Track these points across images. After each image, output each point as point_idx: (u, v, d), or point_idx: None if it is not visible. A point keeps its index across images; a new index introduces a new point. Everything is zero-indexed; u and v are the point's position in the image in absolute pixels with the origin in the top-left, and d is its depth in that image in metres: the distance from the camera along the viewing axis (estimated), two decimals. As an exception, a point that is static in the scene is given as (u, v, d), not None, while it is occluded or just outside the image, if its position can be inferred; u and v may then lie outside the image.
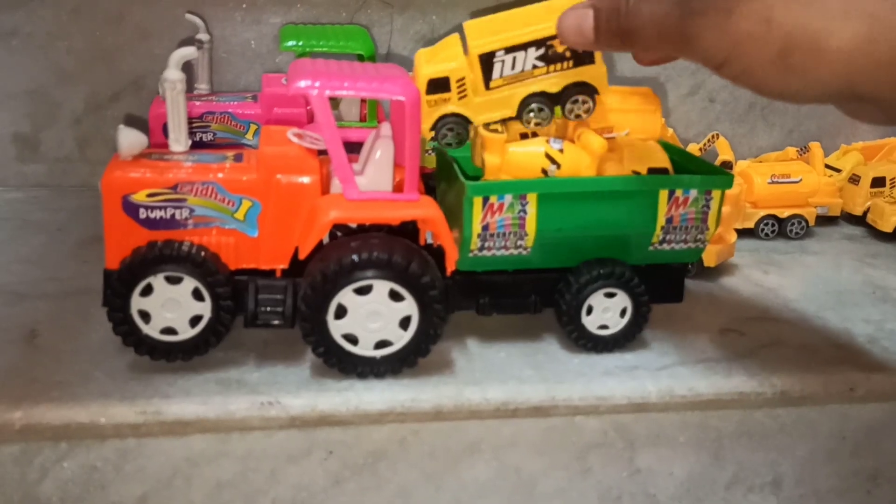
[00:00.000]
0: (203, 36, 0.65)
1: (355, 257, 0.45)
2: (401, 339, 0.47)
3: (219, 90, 0.68)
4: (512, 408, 0.47)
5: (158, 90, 0.62)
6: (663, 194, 0.49)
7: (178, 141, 0.48)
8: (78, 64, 0.72)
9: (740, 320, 0.58)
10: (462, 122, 0.48)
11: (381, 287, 0.46)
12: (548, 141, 0.49)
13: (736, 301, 0.61)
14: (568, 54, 0.47)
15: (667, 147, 0.54)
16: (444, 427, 0.48)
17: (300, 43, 0.62)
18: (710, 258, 0.63)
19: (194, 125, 0.61)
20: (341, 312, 0.46)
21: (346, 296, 0.45)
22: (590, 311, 0.50)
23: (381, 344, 0.47)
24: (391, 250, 0.45)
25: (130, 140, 0.46)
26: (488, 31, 0.47)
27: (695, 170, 0.51)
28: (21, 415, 0.43)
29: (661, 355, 0.52)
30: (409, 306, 0.46)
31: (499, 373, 0.49)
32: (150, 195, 0.45)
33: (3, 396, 0.44)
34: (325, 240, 0.47)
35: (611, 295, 0.50)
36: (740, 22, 0.36)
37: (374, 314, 0.46)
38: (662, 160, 0.50)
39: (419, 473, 0.49)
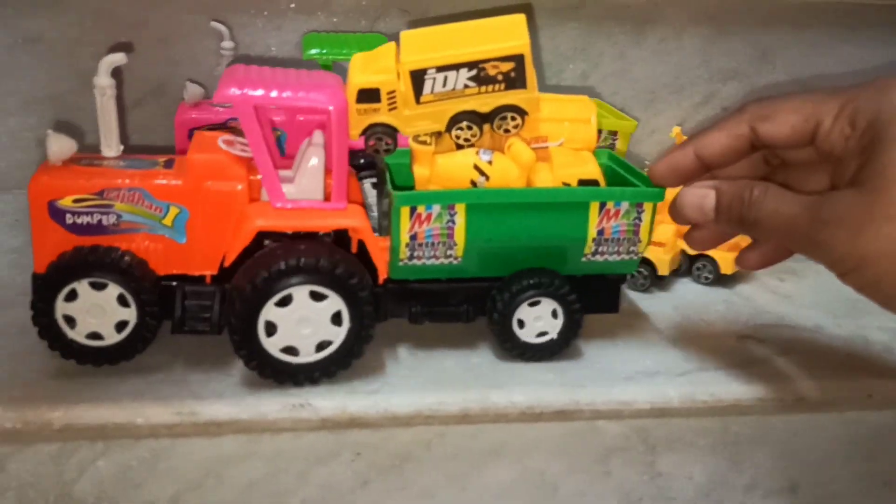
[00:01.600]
0: (227, 43, 0.66)
1: (267, 272, 0.45)
2: (338, 335, 0.47)
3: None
4: (537, 412, 0.48)
5: (184, 96, 0.62)
6: (594, 206, 0.48)
7: (109, 146, 0.48)
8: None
9: (758, 327, 0.59)
10: (391, 131, 0.48)
11: (300, 293, 0.45)
12: (477, 152, 0.48)
13: (753, 308, 0.62)
14: (500, 77, 0.46)
15: (612, 158, 0.54)
16: (468, 430, 0.49)
17: (323, 51, 0.62)
18: (727, 266, 0.64)
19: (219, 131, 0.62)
20: (271, 329, 0.46)
21: (270, 311, 0.45)
22: (522, 324, 0.50)
23: (321, 346, 0.47)
24: (313, 255, 0.45)
25: (60, 145, 0.46)
26: (423, 46, 0.47)
27: (634, 182, 0.51)
28: (60, 414, 0.44)
29: (681, 361, 0.53)
30: (335, 303, 0.46)
31: (522, 377, 0.50)
32: (76, 200, 0.46)
33: (43, 396, 0.45)
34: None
35: (535, 304, 0.49)
36: (873, 241, 0.36)
37: (303, 321, 0.46)
38: (593, 172, 0.49)
39: (444, 475, 0.50)
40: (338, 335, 0.47)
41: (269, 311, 0.45)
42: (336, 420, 0.46)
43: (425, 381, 0.49)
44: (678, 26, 0.79)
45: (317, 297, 0.46)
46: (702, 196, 0.44)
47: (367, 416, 0.47)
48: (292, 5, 0.73)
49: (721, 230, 0.47)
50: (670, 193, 0.48)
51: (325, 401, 0.46)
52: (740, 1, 0.78)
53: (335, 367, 0.47)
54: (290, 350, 0.46)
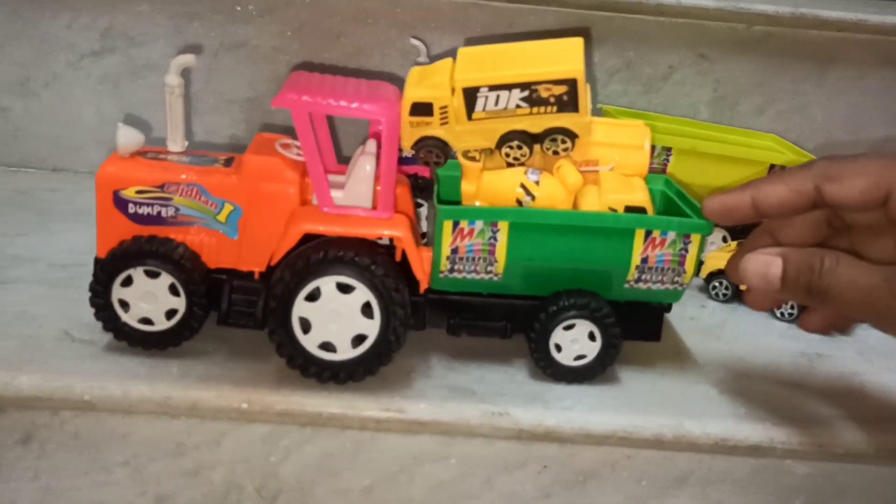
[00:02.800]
0: (423, 59, 0.68)
1: (292, 268, 0.46)
2: (371, 329, 0.47)
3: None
4: (730, 444, 0.48)
5: None
6: (640, 233, 0.48)
7: (175, 141, 0.51)
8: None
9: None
10: (442, 145, 0.49)
11: (327, 286, 0.47)
12: (525, 172, 0.49)
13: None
14: (552, 100, 0.47)
15: (668, 184, 0.53)
16: (655, 456, 0.49)
17: None
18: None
19: None
20: (306, 326, 0.47)
21: (301, 307, 0.47)
22: (559, 348, 0.50)
23: (357, 340, 0.48)
24: (346, 249, 0.46)
25: (128, 137, 0.49)
26: (478, 65, 0.47)
27: (686, 212, 0.50)
28: (280, 399, 0.47)
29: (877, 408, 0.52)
30: (363, 294, 0.47)
31: (716, 408, 0.50)
32: (138, 192, 0.48)
33: (265, 381, 0.48)
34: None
35: (571, 327, 0.49)
36: None
37: (334, 314, 0.47)
38: (641, 199, 0.49)
39: (624, 498, 0.50)
40: (371, 329, 0.47)
41: (301, 307, 0.47)
42: (532, 431, 0.48)
43: (619, 403, 0.50)
44: (861, 67, 0.78)
45: (344, 289, 0.47)
46: (767, 263, 0.42)
47: (561, 430, 0.48)
48: (479, 29, 0.75)
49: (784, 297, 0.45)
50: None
51: (524, 412, 0.48)
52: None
53: (375, 363, 0.48)
54: (328, 346, 0.48)
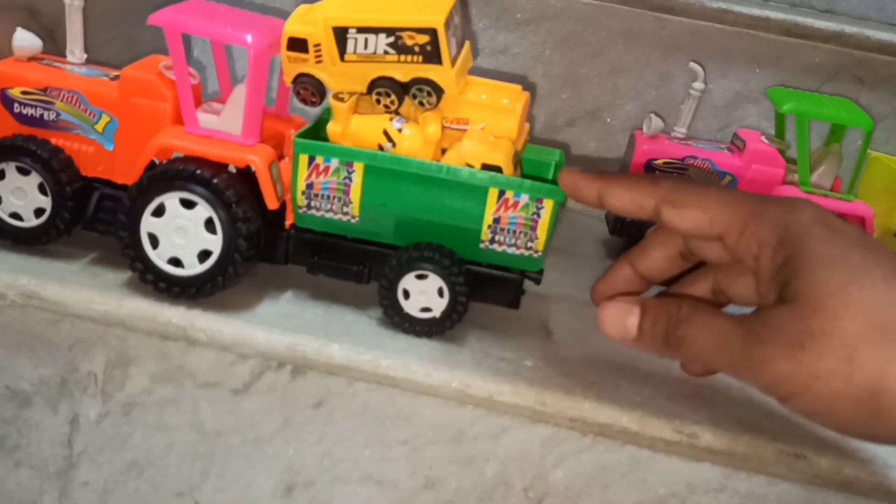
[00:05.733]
0: (698, 84, 0.68)
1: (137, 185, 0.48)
2: (215, 244, 0.48)
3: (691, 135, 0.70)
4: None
5: (643, 128, 0.65)
6: (493, 193, 0.48)
7: (73, 53, 0.53)
8: (548, 87, 0.78)
9: None
10: (317, 83, 0.49)
11: (171, 200, 0.48)
12: (391, 119, 0.49)
13: None
14: (417, 49, 0.47)
15: (561, 159, 0.53)
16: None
17: (802, 108, 0.61)
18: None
19: (673, 166, 0.64)
20: (154, 241, 0.49)
21: (148, 222, 0.48)
22: (407, 294, 0.50)
23: (203, 255, 0.48)
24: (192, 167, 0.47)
25: (25, 41, 0.51)
26: (349, 5, 0.48)
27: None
28: (571, 404, 0.47)
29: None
30: (205, 209, 0.48)
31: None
32: (23, 92, 0.51)
33: (557, 385, 0.48)
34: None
35: (423, 277, 0.49)
36: (818, 359, 0.35)
37: (179, 230, 0.49)
38: (500, 159, 0.48)
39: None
40: (215, 244, 0.48)
41: (148, 222, 0.48)
42: (826, 477, 0.46)
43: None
44: None
45: (187, 204, 0.48)
46: (624, 312, 0.42)
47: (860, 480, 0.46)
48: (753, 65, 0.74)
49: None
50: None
51: (823, 458, 0.46)
52: None
53: (220, 279, 0.49)
54: (176, 262, 0.49)
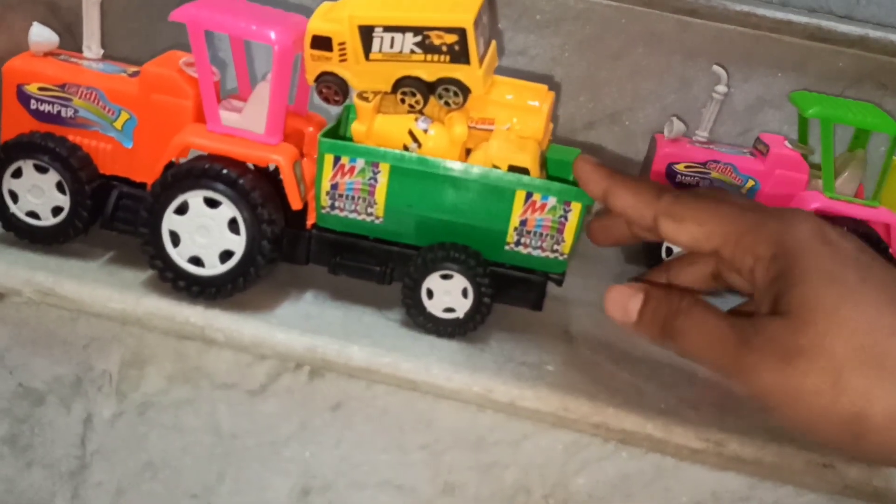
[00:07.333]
0: (721, 88, 0.67)
1: (161, 182, 0.47)
2: (237, 245, 0.47)
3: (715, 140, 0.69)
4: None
5: (665, 131, 0.65)
6: (520, 195, 0.47)
7: (90, 48, 0.52)
8: (567, 90, 0.77)
9: None
10: (341, 81, 0.48)
11: (195, 199, 0.47)
12: (416, 119, 0.48)
13: None
14: (444, 49, 0.46)
15: (572, 154, 0.52)
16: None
17: (827, 112, 0.60)
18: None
19: (695, 170, 0.63)
20: (175, 239, 0.48)
21: (170, 220, 0.47)
22: (431, 294, 0.49)
23: (225, 256, 0.48)
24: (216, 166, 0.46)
25: (40, 36, 0.50)
26: (376, 3, 0.47)
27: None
28: (594, 410, 0.46)
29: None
30: (229, 209, 0.47)
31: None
32: (41, 88, 0.50)
33: (577, 390, 0.47)
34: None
35: (448, 277, 0.48)
36: (804, 375, 0.35)
37: (201, 229, 0.48)
38: (527, 161, 0.48)
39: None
40: (236, 244, 0.47)
41: (171, 220, 0.48)
42: (856, 488, 0.45)
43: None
44: None
45: (211, 203, 0.47)
46: (628, 296, 0.42)
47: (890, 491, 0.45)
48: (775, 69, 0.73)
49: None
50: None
51: (852, 468, 0.45)
52: None
53: (242, 280, 0.48)
54: (197, 261, 0.48)
